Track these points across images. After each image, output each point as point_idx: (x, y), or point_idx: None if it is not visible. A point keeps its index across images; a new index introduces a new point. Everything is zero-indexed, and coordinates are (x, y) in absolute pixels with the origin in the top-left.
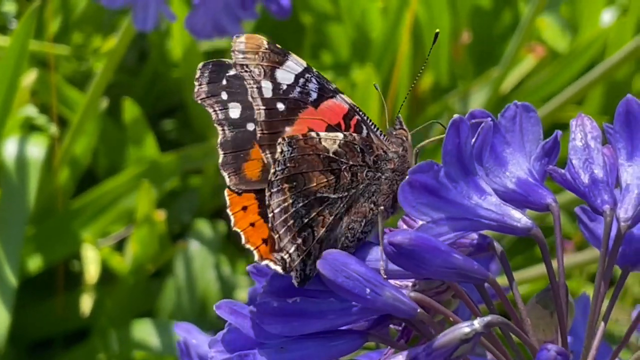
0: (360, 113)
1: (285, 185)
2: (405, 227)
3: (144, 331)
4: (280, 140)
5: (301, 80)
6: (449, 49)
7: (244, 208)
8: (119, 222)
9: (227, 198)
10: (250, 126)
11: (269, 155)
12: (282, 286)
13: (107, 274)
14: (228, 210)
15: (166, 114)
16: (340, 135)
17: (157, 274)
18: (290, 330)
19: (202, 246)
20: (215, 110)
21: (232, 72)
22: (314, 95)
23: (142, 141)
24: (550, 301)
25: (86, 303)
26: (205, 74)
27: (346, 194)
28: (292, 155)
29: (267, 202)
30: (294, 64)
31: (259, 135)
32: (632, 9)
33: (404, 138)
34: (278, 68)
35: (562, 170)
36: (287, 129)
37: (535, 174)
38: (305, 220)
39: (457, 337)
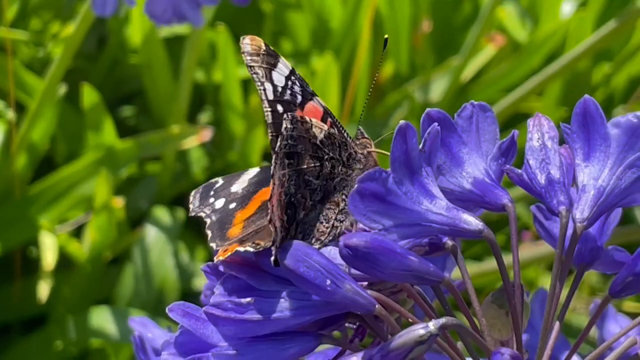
0: (332, 115)
1: (286, 161)
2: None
3: (102, 318)
4: (285, 115)
5: (289, 83)
6: (409, 38)
7: None
8: (77, 209)
9: None
10: (232, 205)
11: None
12: (236, 286)
13: (64, 261)
14: None
15: (125, 100)
16: (325, 125)
17: (115, 261)
18: (244, 331)
19: (160, 233)
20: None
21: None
22: (299, 98)
23: (100, 127)
24: (505, 301)
25: (43, 290)
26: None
27: (324, 182)
28: (292, 132)
29: (271, 172)
30: (283, 67)
31: (270, 136)
32: (591, 1)
33: (368, 145)
34: (273, 70)
35: (519, 170)
36: None
37: (491, 174)
38: (292, 199)
39: (412, 339)
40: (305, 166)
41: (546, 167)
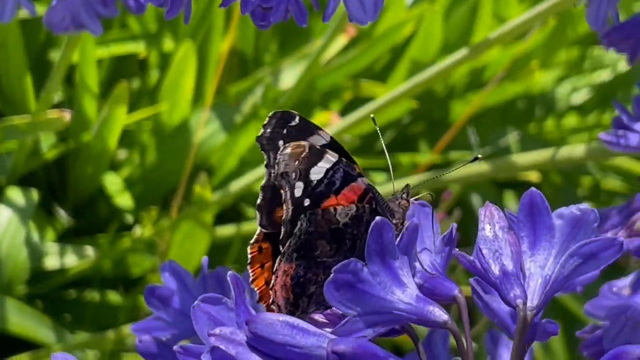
0: (374, 190)
1: (294, 254)
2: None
3: None
4: (303, 216)
5: (330, 173)
6: None
7: (262, 265)
8: None
9: (249, 255)
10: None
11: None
12: (223, 357)
13: None
14: (248, 267)
15: None
16: (354, 208)
17: None
18: None
19: (13, 213)
20: (268, 156)
21: (293, 123)
22: (337, 184)
23: None
24: None
25: None
26: (272, 122)
27: (343, 257)
28: (308, 229)
29: (274, 268)
30: (328, 160)
31: (282, 233)
32: None
33: (404, 208)
34: (313, 167)
35: (471, 257)
36: None
37: (437, 267)
38: (301, 280)
39: None
40: (318, 252)
41: (499, 257)
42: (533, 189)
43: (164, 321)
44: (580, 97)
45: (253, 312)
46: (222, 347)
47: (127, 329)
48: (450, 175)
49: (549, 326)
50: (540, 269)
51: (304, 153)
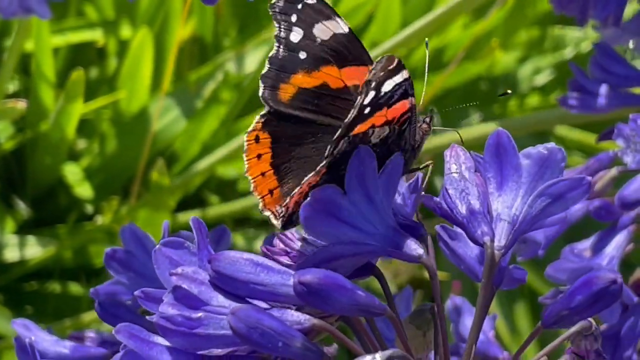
0: (414, 111)
1: (323, 170)
2: (281, 245)
3: None
4: (345, 139)
5: (396, 87)
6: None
7: (259, 156)
8: None
9: (245, 143)
10: (302, 55)
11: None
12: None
13: None
14: (244, 156)
15: None
16: (387, 130)
17: None
18: (193, 345)
19: None
20: (280, 27)
21: (309, 1)
22: (395, 98)
23: None
24: (423, 322)
25: None
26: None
27: None
28: (346, 149)
29: (302, 181)
30: (402, 75)
31: (337, 135)
32: None
33: (424, 132)
34: (389, 79)
35: (437, 199)
36: (358, 126)
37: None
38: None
39: None
40: (342, 167)
41: (466, 197)
42: (500, 129)
43: (123, 284)
44: (543, 78)
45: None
46: (185, 286)
47: (88, 317)
48: None
49: (517, 272)
50: (507, 209)
51: (391, 66)
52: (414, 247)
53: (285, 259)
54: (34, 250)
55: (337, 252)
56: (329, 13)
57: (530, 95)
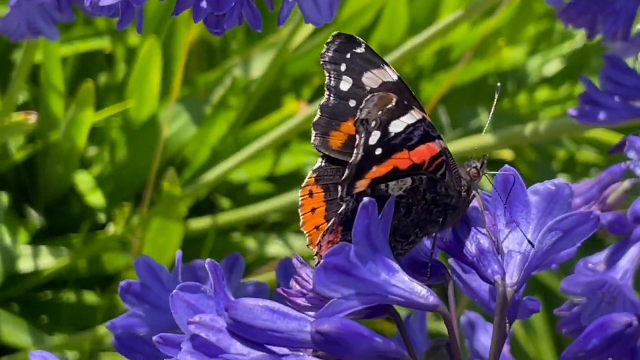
0: (448, 154)
1: (339, 228)
2: (297, 286)
3: None
4: (348, 198)
5: (410, 129)
6: None
7: (313, 210)
8: None
9: (299, 199)
10: (352, 103)
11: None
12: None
13: None
14: (299, 210)
15: None
16: (409, 181)
17: None
18: None
19: None
20: (330, 76)
21: (358, 50)
22: (414, 141)
23: None
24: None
25: None
26: (336, 42)
27: (396, 222)
28: (354, 206)
29: (318, 241)
30: (412, 116)
31: (345, 175)
32: None
33: (472, 177)
34: (395, 120)
35: (447, 238)
36: (374, 168)
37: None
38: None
39: None
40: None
41: (475, 237)
42: (506, 166)
43: (139, 317)
44: (552, 68)
45: (232, 299)
46: (202, 334)
47: (105, 328)
48: None
49: (530, 303)
50: (518, 245)
51: (390, 105)
52: (429, 297)
53: (301, 301)
54: (48, 260)
55: (347, 305)
56: (378, 62)
57: (539, 89)
